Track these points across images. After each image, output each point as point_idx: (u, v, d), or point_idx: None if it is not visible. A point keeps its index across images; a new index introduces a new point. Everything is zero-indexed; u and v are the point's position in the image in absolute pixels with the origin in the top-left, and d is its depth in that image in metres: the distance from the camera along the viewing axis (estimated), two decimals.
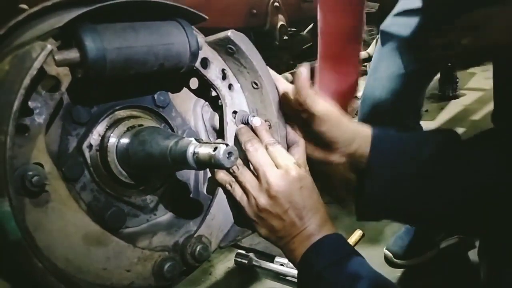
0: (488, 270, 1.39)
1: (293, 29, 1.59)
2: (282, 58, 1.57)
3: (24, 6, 0.91)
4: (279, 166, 0.62)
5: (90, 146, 0.58)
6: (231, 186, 0.65)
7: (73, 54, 0.47)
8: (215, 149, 0.49)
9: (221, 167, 0.50)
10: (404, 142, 0.70)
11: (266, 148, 0.64)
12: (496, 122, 1.28)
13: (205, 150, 0.50)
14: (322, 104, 0.66)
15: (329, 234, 0.62)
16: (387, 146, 0.68)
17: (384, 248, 1.64)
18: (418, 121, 1.49)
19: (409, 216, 0.74)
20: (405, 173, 0.67)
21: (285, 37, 1.46)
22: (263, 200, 0.61)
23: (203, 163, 0.51)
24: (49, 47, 0.43)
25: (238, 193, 0.64)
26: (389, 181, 0.68)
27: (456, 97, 3.16)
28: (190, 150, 0.51)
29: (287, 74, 1.79)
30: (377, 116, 1.39)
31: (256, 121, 0.67)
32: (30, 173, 0.43)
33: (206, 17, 0.57)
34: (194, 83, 0.70)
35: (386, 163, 0.67)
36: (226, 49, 0.64)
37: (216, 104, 0.72)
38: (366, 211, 0.73)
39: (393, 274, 1.57)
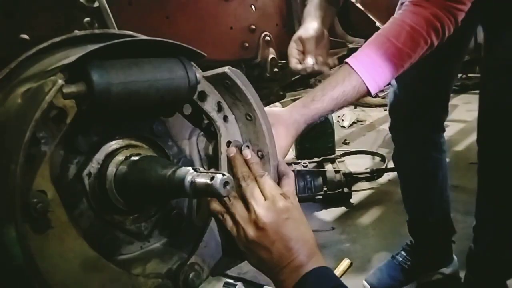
0: None
1: (283, 61, 1.65)
2: (273, 89, 1.62)
3: (25, 36, 0.93)
4: (266, 197, 0.64)
5: (89, 174, 0.60)
6: (223, 217, 0.67)
7: (80, 88, 0.50)
8: (212, 178, 0.52)
9: (218, 196, 0.52)
10: None
11: (255, 180, 0.66)
12: (480, 144, 1.32)
13: (202, 180, 0.53)
14: None
15: (317, 268, 0.63)
16: None
17: (364, 280, 1.65)
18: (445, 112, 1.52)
19: None
20: None
21: (275, 69, 1.51)
22: (251, 232, 0.63)
23: (200, 192, 0.53)
24: (60, 82, 0.45)
25: (229, 224, 0.66)
26: None
27: None
28: (188, 179, 0.53)
29: (277, 104, 1.84)
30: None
31: (246, 153, 0.70)
32: (34, 200, 0.45)
33: (205, 54, 0.61)
34: (187, 109, 0.72)
35: None
36: (223, 83, 0.67)
37: (210, 134, 0.75)
38: None
39: None
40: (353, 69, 0.96)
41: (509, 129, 1.18)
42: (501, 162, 1.24)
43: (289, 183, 0.69)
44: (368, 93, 0.97)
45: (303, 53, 1.24)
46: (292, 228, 0.63)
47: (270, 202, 0.64)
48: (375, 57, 0.96)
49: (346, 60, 0.99)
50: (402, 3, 1.07)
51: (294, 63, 1.25)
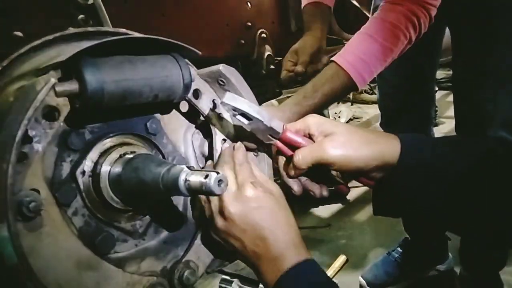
0: None
1: (279, 58, 1.65)
2: (269, 86, 1.62)
3: (19, 33, 0.93)
4: (238, 185, 0.63)
5: (83, 172, 0.59)
6: (205, 204, 0.66)
7: (73, 86, 0.49)
8: (206, 176, 0.52)
9: (212, 194, 0.52)
10: (435, 153, 0.63)
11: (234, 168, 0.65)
12: (457, 132, 1.39)
13: (196, 178, 0.52)
14: (332, 150, 0.61)
15: (301, 262, 0.59)
16: (416, 157, 0.62)
17: (360, 276, 1.65)
18: (432, 107, 1.58)
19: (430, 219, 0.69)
20: (434, 187, 0.62)
21: (272, 66, 1.51)
22: (219, 221, 0.62)
23: (194, 190, 0.53)
24: (52, 80, 0.45)
25: (208, 213, 0.65)
26: (417, 190, 0.62)
27: (435, 125, 3.28)
28: (182, 177, 0.53)
29: (274, 101, 1.84)
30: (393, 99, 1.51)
31: (236, 145, 0.70)
32: (27, 199, 0.45)
33: (199, 52, 0.61)
34: (184, 106, 0.72)
35: (414, 175, 0.62)
36: (217, 81, 0.67)
37: (205, 131, 0.75)
38: (387, 208, 0.69)
39: None
40: (340, 66, 1.00)
41: (479, 122, 1.26)
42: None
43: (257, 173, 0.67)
44: (355, 88, 1.03)
45: (296, 65, 1.26)
46: (264, 218, 0.60)
47: (238, 191, 0.62)
48: (360, 54, 1.01)
49: (333, 58, 1.04)
50: (376, 7, 1.11)
51: (285, 74, 1.27)
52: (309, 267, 0.60)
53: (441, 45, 1.45)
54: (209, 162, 0.71)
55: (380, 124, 1.62)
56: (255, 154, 0.73)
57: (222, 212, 0.62)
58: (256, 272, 0.63)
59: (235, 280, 1.56)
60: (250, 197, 0.61)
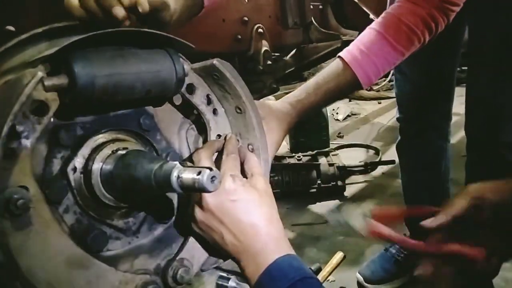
0: None
1: (276, 54, 1.64)
2: (266, 82, 1.61)
3: (11, 28, 0.91)
4: None
5: (74, 169, 0.58)
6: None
7: (62, 80, 0.48)
8: (199, 173, 0.51)
9: (205, 191, 0.51)
10: None
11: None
12: (467, 131, 1.36)
13: (189, 175, 0.51)
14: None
15: (282, 258, 0.58)
16: None
17: (357, 272, 1.65)
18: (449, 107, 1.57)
19: None
20: None
21: (269, 62, 1.49)
22: (198, 212, 0.62)
23: (187, 187, 0.52)
24: (39, 74, 0.44)
25: (190, 206, 0.65)
26: None
27: None
28: (174, 174, 0.52)
29: (271, 97, 1.83)
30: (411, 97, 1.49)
31: (228, 135, 0.70)
32: (15, 196, 0.44)
33: (193, 46, 0.60)
34: (178, 99, 0.70)
35: None
36: (212, 76, 0.66)
37: (200, 127, 0.74)
38: None
39: None
40: (347, 64, 0.96)
41: (492, 120, 1.22)
42: (487, 153, 1.27)
43: (252, 165, 0.67)
44: (360, 87, 0.99)
45: None
46: (241, 211, 0.60)
47: None
48: (370, 54, 0.97)
49: (340, 54, 0.99)
50: None
51: None
52: (290, 263, 0.58)
53: (462, 40, 1.42)
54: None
55: (398, 119, 1.61)
56: (250, 150, 0.72)
57: (200, 203, 0.62)
58: (239, 267, 0.63)
59: (232, 277, 1.55)
60: (227, 190, 0.61)
